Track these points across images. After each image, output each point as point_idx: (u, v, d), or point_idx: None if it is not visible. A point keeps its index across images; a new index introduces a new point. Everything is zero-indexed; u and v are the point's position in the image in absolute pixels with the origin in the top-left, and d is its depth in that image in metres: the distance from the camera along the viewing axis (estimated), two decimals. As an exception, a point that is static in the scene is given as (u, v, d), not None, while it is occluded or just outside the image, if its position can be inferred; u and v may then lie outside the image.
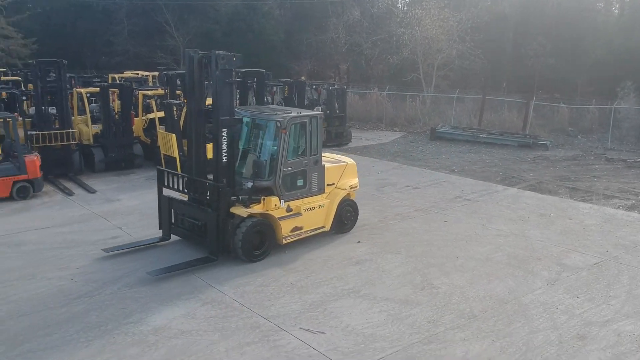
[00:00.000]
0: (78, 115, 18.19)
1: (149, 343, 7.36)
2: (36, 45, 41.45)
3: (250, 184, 10.15)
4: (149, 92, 18.81)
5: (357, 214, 11.93)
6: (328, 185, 11.24)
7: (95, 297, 8.64)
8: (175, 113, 16.16)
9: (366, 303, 8.61)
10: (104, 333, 7.59)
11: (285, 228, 10.39)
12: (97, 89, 17.58)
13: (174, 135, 15.96)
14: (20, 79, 24.75)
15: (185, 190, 10.52)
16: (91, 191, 14.96)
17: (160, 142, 16.94)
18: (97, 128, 17.44)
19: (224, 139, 9.72)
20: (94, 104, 18.49)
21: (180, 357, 7.04)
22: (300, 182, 10.63)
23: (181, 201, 10.72)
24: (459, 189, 16.05)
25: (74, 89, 18.64)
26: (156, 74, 26.71)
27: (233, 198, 9.96)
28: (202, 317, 8.07)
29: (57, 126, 16.46)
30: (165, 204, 10.80)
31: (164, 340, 7.44)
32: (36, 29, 43.59)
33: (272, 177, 10.26)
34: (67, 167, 16.40)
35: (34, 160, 14.02)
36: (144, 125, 18.73)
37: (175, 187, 10.63)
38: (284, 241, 10.40)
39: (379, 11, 36.11)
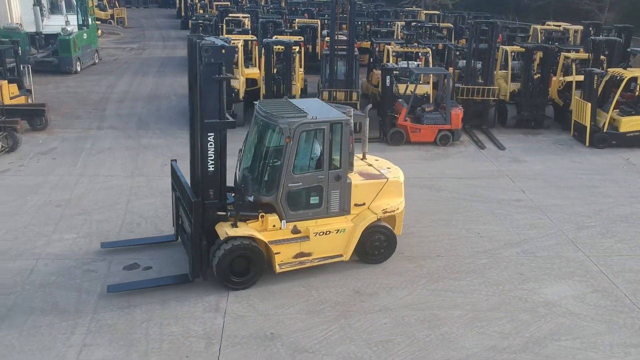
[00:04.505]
0: (500, 70, 19.43)
1: (539, 314, 8.30)
2: (467, -15, 44.19)
3: (250, 199, 8.82)
4: (572, 55, 18.79)
5: (394, 245, 9.65)
6: (357, 205, 9.33)
7: (497, 256, 9.97)
8: (595, 82, 16.04)
9: None
10: (501, 292, 8.86)
11: (285, 254, 8.89)
12: (522, 49, 18.38)
13: (589, 104, 15.98)
14: (451, 25, 27.30)
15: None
16: (501, 147, 16.25)
17: (573, 107, 17.11)
18: (515, 86, 18.36)
19: (210, 145, 8.38)
20: (515, 61, 19.36)
21: (565, 338, 7.77)
22: (314, 200, 9.01)
23: (183, 204, 9.30)
24: None
25: (500, 46, 19.77)
26: (578, 27, 26.06)
27: (221, 213, 8.75)
28: (591, 304, 8.60)
29: (480, 81, 18.11)
30: (174, 201, 9.77)
31: (553, 315, 8.27)
32: (468, -31, 46.21)
33: (274, 192, 8.80)
34: (482, 119, 18.00)
35: (458, 113, 16.02)
36: (560, 87, 18.94)
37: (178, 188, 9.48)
38: (279, 269, 8.84)
39: None
